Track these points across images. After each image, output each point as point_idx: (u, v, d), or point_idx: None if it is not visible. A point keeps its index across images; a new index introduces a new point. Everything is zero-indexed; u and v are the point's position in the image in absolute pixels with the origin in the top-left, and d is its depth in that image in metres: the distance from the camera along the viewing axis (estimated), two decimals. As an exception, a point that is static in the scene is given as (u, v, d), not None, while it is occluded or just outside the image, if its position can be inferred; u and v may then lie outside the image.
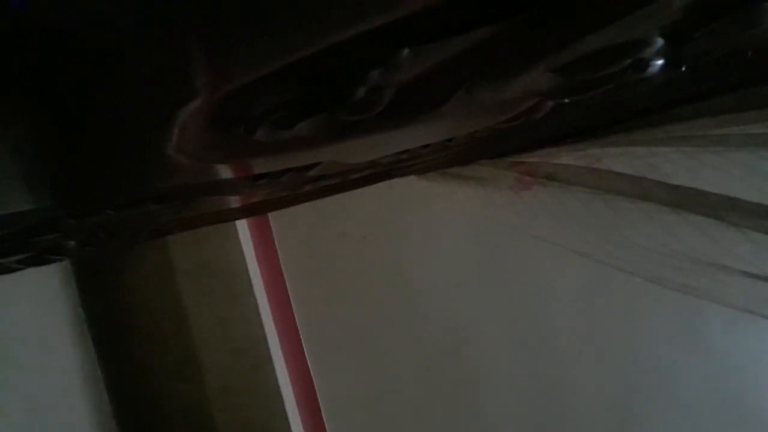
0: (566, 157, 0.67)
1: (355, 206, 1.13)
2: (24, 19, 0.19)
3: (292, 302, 1.13)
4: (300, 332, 1.13)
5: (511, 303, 1.17)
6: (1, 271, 0.58)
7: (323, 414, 1.12)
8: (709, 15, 0.32)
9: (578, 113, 0.53)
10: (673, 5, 0.30)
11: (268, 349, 1.04)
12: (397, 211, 1.14)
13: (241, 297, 1.04)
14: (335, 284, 1.15)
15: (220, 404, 1.03)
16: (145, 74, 0.25)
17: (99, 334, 1.01)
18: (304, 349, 1.13)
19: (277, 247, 1.13)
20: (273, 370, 1.04)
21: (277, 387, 1.04)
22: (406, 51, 0.27)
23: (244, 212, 0.84)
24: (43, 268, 0.61)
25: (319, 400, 1.13)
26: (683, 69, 0.38)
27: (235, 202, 0.63)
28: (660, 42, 0.33)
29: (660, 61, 0.35)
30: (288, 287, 1.13)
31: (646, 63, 0.35)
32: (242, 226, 1.07)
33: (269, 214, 1.12)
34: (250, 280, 1.05)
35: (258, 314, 1.05)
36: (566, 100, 0.41)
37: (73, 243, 0.55)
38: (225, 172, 0.45)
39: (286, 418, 1.04)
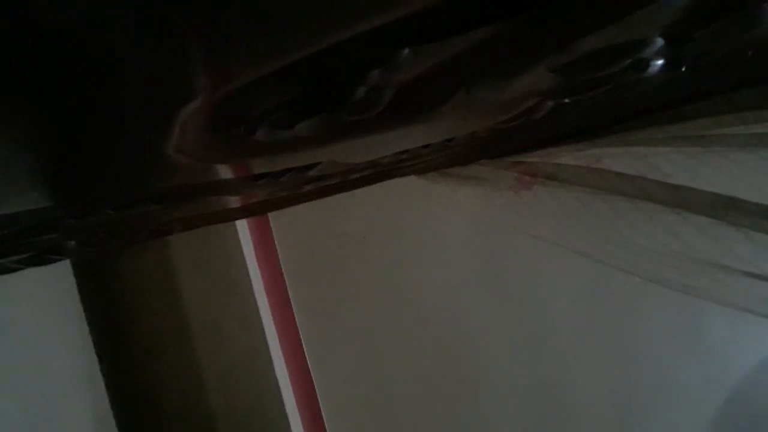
0: (566, 157, 0.67)
1: (355, 206, 1.13)
2: (24, 19, 0.19)
3: (292, 302, 1.13)
4: (300, 332, 1.13)
5: (511, 303, 1.17)
6: (1, 271, 0.58)
7: (323, 414, 1.12)
8: (709, 15, 0.32)
9: (578, 113, 0.53)
10: (674, 5, 0.30)
11: (268, 349, 1.04)
12: (397, 211, 1.14)
13: (241, 297, 1.04)
14: (335, 284, 1.15)
15: (219, 404, 1.03)
16: (145, 74, 0.25)
17: (99, 334, 1.01)
18: (304, 349, 1.13)
19: (277, 247, 1.13)
20: (273, 370, 1.04)
21: (277, 387, 1.04)
22: (406, 51, 0.27)
23: (244, 212, 0.84)
24: (43, 268, 0.61)
25: (319, 400, 1.13)
26: (683, 69, 0.38)
27: (235, 202, 0.63)
28: (660, 42, 0.33)
29: (660, 61, 0.35)
30: (288, 287, 1.13)
31: (646, 63, 0.35)
32: (242, 226, 1.07)
33: (269, 214, 1.11)
34: (250, 281, 1.05)
35: (258, 314, 1.05)
36: (566, 100, 0.41)
37: (73, 243, 0.55)
38: (225, 172, 0.45)
39: (286, 418, 1.04)
